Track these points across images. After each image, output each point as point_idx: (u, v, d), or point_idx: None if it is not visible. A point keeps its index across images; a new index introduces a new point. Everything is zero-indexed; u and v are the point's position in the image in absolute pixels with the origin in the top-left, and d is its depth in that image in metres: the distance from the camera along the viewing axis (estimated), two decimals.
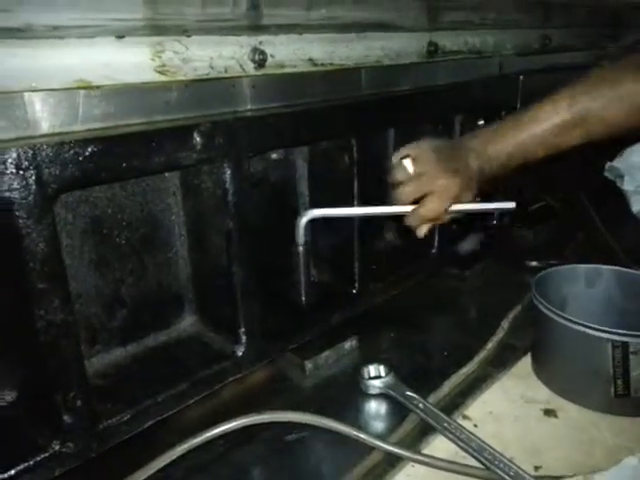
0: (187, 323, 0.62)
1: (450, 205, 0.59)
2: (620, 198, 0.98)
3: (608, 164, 1.07)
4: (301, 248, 0.70)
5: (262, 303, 0.59)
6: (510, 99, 0.85)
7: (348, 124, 0.66)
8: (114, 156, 0.46)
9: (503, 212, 0.68)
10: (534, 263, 0.84)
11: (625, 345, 0.52)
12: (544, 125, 0.56)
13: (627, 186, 0.98)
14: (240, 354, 0.58)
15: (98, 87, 0.48)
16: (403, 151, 0.60)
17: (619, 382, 0.54)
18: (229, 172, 0.54)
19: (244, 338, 0.58)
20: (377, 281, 0.75)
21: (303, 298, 0.69)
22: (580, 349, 0.55)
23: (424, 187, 0.58)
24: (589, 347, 0.54)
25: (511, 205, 0.62)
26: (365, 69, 0.71)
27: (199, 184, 0.57)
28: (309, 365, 0.63)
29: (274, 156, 0.68)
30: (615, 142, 1.07)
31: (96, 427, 0.48)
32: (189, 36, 0.52)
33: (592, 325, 0.53)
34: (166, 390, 0.52)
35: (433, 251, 0.85)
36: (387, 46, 0.73)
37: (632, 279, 0.65)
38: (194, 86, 0.54)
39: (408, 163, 0.59)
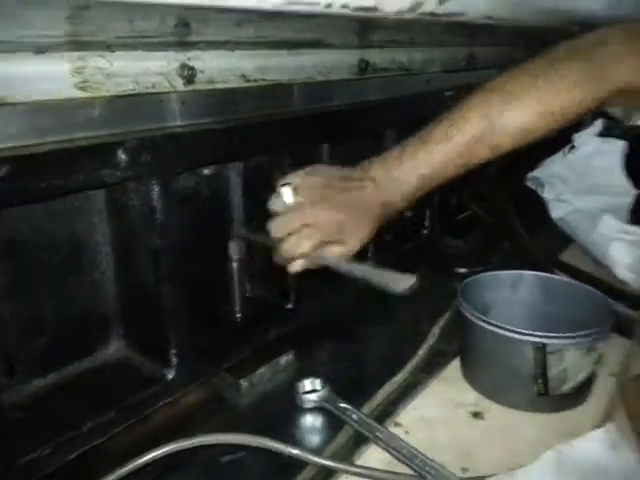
0: (114, 348, 0.60)
1: (321, 245, 0.53)
2: (542, 206, 1.04)
3: (530, 174, 1.14)
4: (235, 264, 0.70)
5: (194, 322, 0.59)
6: (437, 114, 0.89)
7: (280, 139, 0.67)
8: (31, 176, 0.44)
9: (391, 292, 0.52)
10: (463, 270, 0.87)
11: (544, 346, 0.55)
12: (455, 141, 0.52)
13: (547, 194, 1.05)
14: (171, 377, 0.57)
15: (14, 104, 0.46)
16: (288, 178, 0.55)
17: (539, 381, 0.57)
18: (157, 189, 0.54)
19: (175, 360, 0.57)
20: (312, 295, 0.76)
21: (238, 315, 0.69)
22: (503, 352, 0.58)
23: (296, 221, 0.52)
24: (511, 349, 0.57)
25: (410, 281, 0.52)
26: (297, 85, 0.72)
27: (126, 202, 0.56)
28: (244, 383, 0.62)
29: (206, 171, 0.67)
30: (536, 153, 1.15)
31: (14, 464, 0.45)
32: (113, 51, 0.51)
33: (513, 328, 0.56)
34: (92, 419, 0.50)
35: (367, 261, 0.86)
36: (319, 62, 0.74)
37: (551, 283, 0.69)
38: (118, 102, 0.53)
39: (287, 192, 0.54)
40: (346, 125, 0.76)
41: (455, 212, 1.03)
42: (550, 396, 0.57)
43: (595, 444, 0.51)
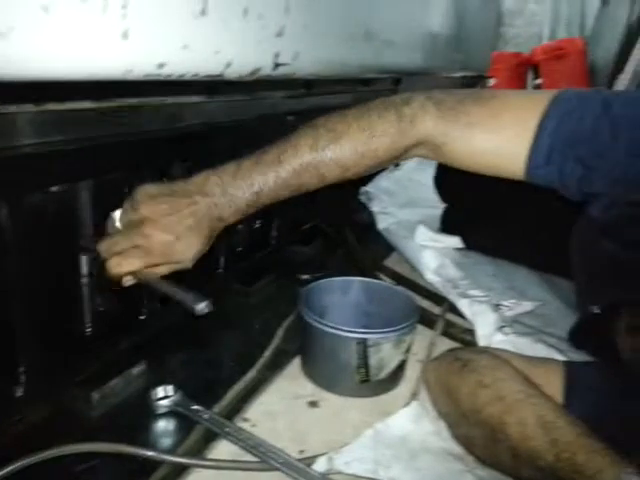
0: None
1: (149, 266, 0.55)
2: (371, 218, 1.19)
3: (362, 189, 1.29)
4: (85, 279, 0.71)
5: (42, 339, 0.59)
6: (280, 135, 0.98)
7: (129, 159, 0.69)
8: None
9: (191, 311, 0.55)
10: (306, 277, 0.97)
11: (365, 341, 0.67)
12: (287, 166, 0.56)
13: (375, 207, 1.21)
14: (20, 394, 0.57)
15: None
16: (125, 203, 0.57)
17: (362, 370, 0.68)
18: (4, 208, 0.53)
19: (23, 377, 0.57)
20: (164, 304, 0.79)
21: (88, 329, 0.70)
22: (333, 347, 0.68)
23: (124, 242, 0.55)
24: (340, 345, 0.68)
25: (202, 306, 0.54)
26: (147, 106, 0.74)
27: None
28: (96, 396, 0.63)
29: (54, 189, 0.67)
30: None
31: None
32: None
33: (340, 327, 0.67)
34: None
35: (220, 271, 0.92)
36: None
37: (374, 287, 0.82)
38: None
39: (117, 216, 0.56)
40: (198, 146, 0.80)
41: (300, 223, 1.14)
42: (371, 382, 0.69)
43: (403, 420, 0.64)
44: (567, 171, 0.55)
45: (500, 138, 0.57)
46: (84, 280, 0.70)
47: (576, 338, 0.68)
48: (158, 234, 0.54)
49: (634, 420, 0.54)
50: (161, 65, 0.39)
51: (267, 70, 0.52)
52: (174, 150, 0.77)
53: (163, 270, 0.57)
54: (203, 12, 0.40)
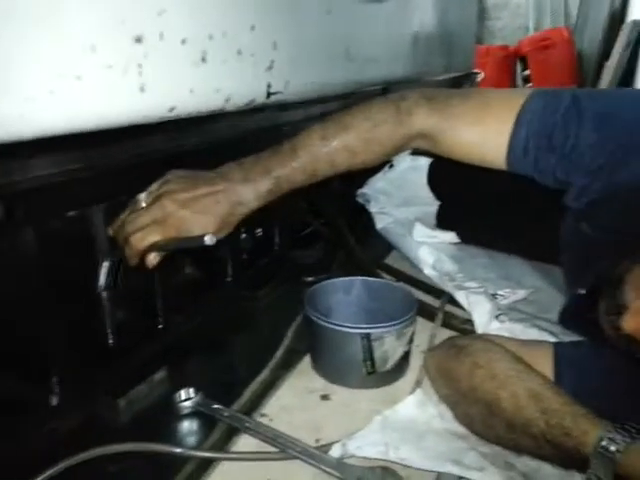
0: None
1: (168, 238, 0.59)
2: (369, 218, 1.24)
3: (359, 191, 1.34)
4: (104, 293, 0.76)
5: (72, 351, 0.64)
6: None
7: (141, 183, 0.73)
8: None
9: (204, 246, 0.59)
10: (310, 279, 1.02)
11: (369, 335, 0.72)
12: (301, 156, 0.62)
13: (372, 208, 1.25)
14: (54, 404, 0.62)
15: None
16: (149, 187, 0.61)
17: (368, 363, 0.73)
18: (32, 234, 0.58)
19: (57, 388, 0.62)
20: (180, 313, 0.84)
21: (110, 340, 0.75)
22: (340, 343, 0.73)
23: (145, 218, 0.59)
24: (346, 341, 0.72)
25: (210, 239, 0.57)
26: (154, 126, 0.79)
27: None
28: (122, 402, 0.68)
29: (71, 213, 0.72)
30: (364, 173, 1.35)
31: None
32: None
33: (344, 324, 0.72)
34: None
35: (228, 279, 0.97)
36: None
37: (375, 285, 0.86)
38: None
39: (142, 196, 0.60)
40: (203, 163, 0.85)
41: (300, 228, 1.19)
42: (377, 374, 0.74)
43: (408, 406, 0.69)
44: (542, 161, 0.61)
45: (483, 131, 0.63)
46: (103, 294, 0.75)
47: (565, 320, 0.72)
48: (175, 208, 0.58)
49: (619, 392, 0.59)
50: (172, 109, 0.45)
51: (261, 99, 0.58)
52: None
53: (161, 230, 0.59)
54: (203, 59, 0.45)
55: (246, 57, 0.52)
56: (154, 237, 0.59)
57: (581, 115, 0.59)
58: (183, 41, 0.44)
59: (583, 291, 0.65)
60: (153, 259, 0.61)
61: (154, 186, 0.61)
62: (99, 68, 0.38)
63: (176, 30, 0.44)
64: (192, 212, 0.59)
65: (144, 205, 0.60)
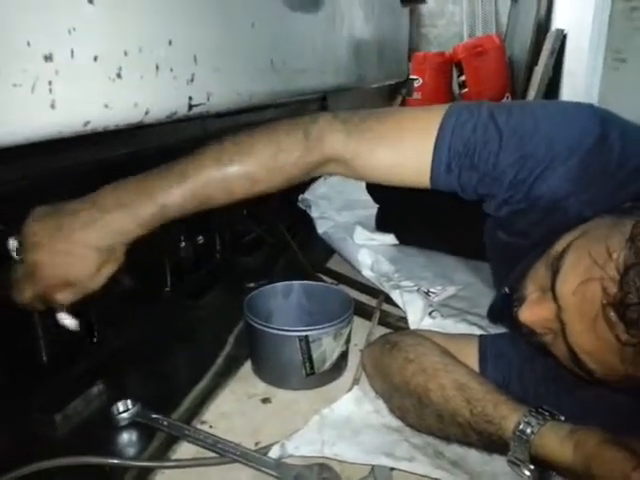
0: None
1: (48, 290, 0.54)
2: (311, 223, 1.26)
3: (300, 196, 1.36)
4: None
5: (1, 368, 0.62)
6: None
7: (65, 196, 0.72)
8: None
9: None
10: (252, 285, 1.02)
11: (307, 337, 0.73)
12: (191, 181, 0.56)
13: (314, 213, 1.28)
14: None
15: None
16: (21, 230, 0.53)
17: (307, 365, 0.75)
18: None
19: None
20: (116, 326, 0.83)
21: (44, 356, 0.73)
22: (279, 347, 0.75)
23: (18, 271, 0.54)
24: (285, 344, 0.74)
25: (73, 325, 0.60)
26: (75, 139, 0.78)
27: None
28: (58, 417, 0.67)
29: None
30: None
31: None
32: None
33: (283, 327, 0.73)
34: None
35: (167, 289, 0.97)
36: None
37: (313, 288, 0.88)
38: None
39: (13, 245, 0.53)
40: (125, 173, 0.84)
41: (242, 234, 1.19)
42: (316, 375, 0.76)
43: (346, 403, 0.71)
44: (465, 178, 0.61)
45: (402, 152, 0.62)
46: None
47: (493, 316, 0.77)
48: (44, 257, 0.52)
49: (536, 378, 0.64)
50: (86, 123, 0.46)
51: (183, 111, 0.58)
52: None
53: (67, 295, 0.55)
54: (119, 75, 0.46)
55: (164, 71, 0.53)
56: (26, 293, 0.54)
57: (500, 133, 0.60)
58: (95, 58, 0.45)
59: (507, 290, 0.69)
60: (36, 308, 0.57)
61: (22, 230, 0.54)
62: (5, 87, 0.39)
63: (87, 47, 0.44)
64: (65, 256, 0.53)
65: (16, 257, 0.54)
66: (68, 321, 0.59)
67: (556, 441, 0.53)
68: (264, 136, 0.60)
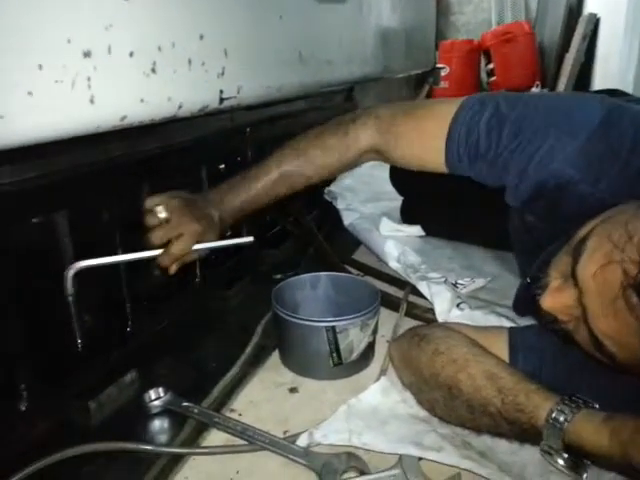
0: None
1: (194, 244, 0.73)
2: (337, 215, 1.26)
3: (326, 189, 1.37)
4: (70, 298, 0.76)
5: (38, 357, 0.65)
6: (241, 147, 1.04)
7: (103, 188, 0.74)
8: None
9: (243, 246, 0.82)
10: (279, 276, 1.03)
11: (334, 328, 0.74)
12: (261, 181, 0.77)
13: (339, 205, 1.28)
14: (23, 409, 0.62)
15: None
16: (154, 199, 0.73)
17: (334, 355, 0.75)
18: None
19: (25, 394, 0.62)
20: (149, 316, 0.85)
21: (79, 345, 0.76)
22: (306, 337, 0.75)
23: (173, 231, 0.71)
24: (312, 334, 0.75)
25: (249, 239, 0.80)
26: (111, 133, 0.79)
27: None
28: (93, 405, 0.69)
29: (34, 220, 0.72)
30: None
31: None
32: None
33: (310, 318, 0.74)
34: None
35: (197, 280, 0.98)
36: None
37: (341, 280, 0.89)
38: None
39: (160, 210, 0.71)
40: (165, 166, 0.86)
41: (269, 227, 1.20)
42: (343, 365, 0.76)
43: (373, 393, 0.71)
44: (476, 167, 0.68)
45: (421, 145, 0.73)
46: (70, 300, 0.76)
47: (518, 306, 0.76)
48: (193, 225, 0.72)
49: (567, 368, 0.63)
50: (123, 118, 0.48)
51: (214, 105, 0.61)
52: (143, 172, 0.83)
53: (188, 240, 0.72)
54: (153, 70, 0.47)
55: (196, 66, 0.54)
56: (184, 247, 0.72)
57: (501, 123, 0.65)
58: (131, 53, 0.46)
59: (528, 280, 0.68)
60: (176, 267, 0.74)
61: (164, 200, 0.72)
62: (48, 83, 0.40)
63: (123, 43, 0.46)
64: (202, 227, 0.72)
65: (161, 216, 0.71)
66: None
67: (591, 429, 0.52)
68: (315, 139, 0.78)
